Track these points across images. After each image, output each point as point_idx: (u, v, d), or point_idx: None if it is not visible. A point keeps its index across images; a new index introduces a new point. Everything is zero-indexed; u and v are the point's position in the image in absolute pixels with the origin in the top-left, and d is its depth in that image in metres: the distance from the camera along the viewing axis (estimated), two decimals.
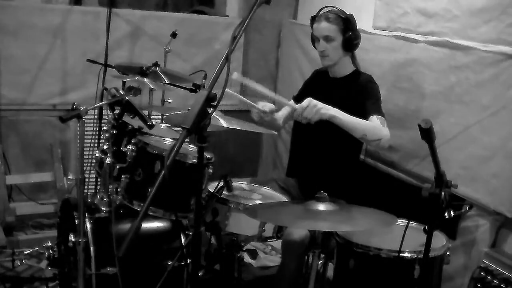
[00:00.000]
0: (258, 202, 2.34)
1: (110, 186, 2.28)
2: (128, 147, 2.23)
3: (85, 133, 2.03)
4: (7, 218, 3.39)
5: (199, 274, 2.47)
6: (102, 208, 2.29)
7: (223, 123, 2.27)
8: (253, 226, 2.22)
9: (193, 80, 3.11)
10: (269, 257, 3.39)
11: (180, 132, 1.47)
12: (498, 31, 2.44)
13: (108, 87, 2.22)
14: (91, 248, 2.16)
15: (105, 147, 2.23)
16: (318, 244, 2.03)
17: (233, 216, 2.21)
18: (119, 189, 2.24)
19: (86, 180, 2.09)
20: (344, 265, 2.12)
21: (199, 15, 4.19)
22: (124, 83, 2.99)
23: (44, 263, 2.98)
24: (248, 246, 3.31)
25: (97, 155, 2.36)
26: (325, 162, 2.73)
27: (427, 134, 1.62)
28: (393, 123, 2.96)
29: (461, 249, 2.56)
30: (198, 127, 1.49)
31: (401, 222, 2.10)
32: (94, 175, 3.42)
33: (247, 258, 3.26)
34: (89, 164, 2.77)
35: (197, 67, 3.60)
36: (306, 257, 2.47)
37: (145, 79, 2.91)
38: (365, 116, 2.44)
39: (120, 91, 2.17)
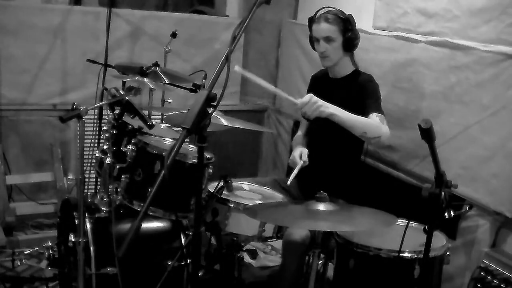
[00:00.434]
0: (258, 202, 2.34)
1: (110, 186, 2.28)
2: (128, 147, 2.23)
3: (85, 133, 2.04)
4: (7, 218, 3.39)
5: (199, 274, 2.47)
6: (102, 208, 2.29)
7: (224, 122, 2.28)
8: (253, 226, 2.22)
9: (193, 80, 3.12)
10: (269, 257, 3.39)
11: (180, 132, 1.47)
12: (498, 31, 2.44)
13: (108, 87, 2.22)
14: (91, 248, 2.16)
15: (105, 147, 2.23)
16: (318, 244, 2.03)
17: (233, 216, 2.21)
18: (119, 189, 2.24)
19: (86, 180, 2.10)
20: (344, 265, 2.12)
21: (199, 15, 4.19)
22: (124, 83, 2.99)
23: (44, 263, 2.98)
24: (248, 246, 3.31)
25: (97, 155, 2.36)
26: (325, 162, 2.73)
27: (427, 134, 1.62)
28: (393, 123, 2.95)
29: (461, 249, 2.56)
30: (198, 127, 1.49)
31: (401, 222, 2.10)
32: (94, 175, 3.42)
33: (247, 258, 3.26)
34: (89, 164, 2.77)
35: (197, 67, 3.61)
36: (306, 257, 2.47)
37: (145, 79, 2.91)
38: (365, 115, 2.45)
39: (120, 91, 2.17)
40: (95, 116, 3.27)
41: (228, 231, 2.25)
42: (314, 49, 2.69)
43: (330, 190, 2.02)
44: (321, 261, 2.49)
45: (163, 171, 1.41)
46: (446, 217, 1.78)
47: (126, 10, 3.87)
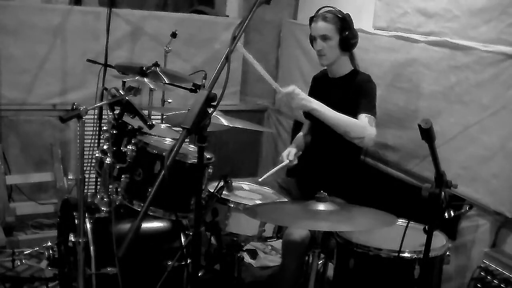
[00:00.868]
0: (258, 202, 2.34)
1: (110, 186, 2.28)
2: (128, 147, 2.22)
3: (85, 133, 2.03)
4: (7, 218, 3.39)
5: (199, 274, 2.47)
6: (102, 208, 2.29)
7: (224, 122, 2.28)
8: (253, 226, 2.22)
9: (193, 80, 3.11)
10: (269, 257, 3.39)
11: (180, 132, 1.47)
12: (498, 31, 2.44)
13: (108, 87, 2.21)
14: (91, 248, 2.15)
15: (105, 147, 2.23)
16: (318, 244, 2.03)
17: (233, 216, 2.21)
18: (119, 189, 2.24)
19: (86, 180, 2.10)
20: (344, 265, 2.11)
21: (199, 15, 4.19)
22: (124, 83, 2.99)
23: (44, 263, 2.98)
24: (248, 246, 3.31)
25: (97, 155, 2.36)
26: (325, 162, 2.73)
27: (427, 134, 1.62)
28: (393, 123, 2.96)
29: (461, 249, 2.56)
30: (198, 127, 1.49)
31: (401, 222, 2.10)
32: (94, 175, 3.42)
33: (247, 258, 3.26)
34: (89, 164, 2.77)
35: (197, 67, 3.61)
36: (306, 257, 2.47)
37: (145, 79, 2.91)
38: (355, 114, 2.46)
39: (120, 91, 2.17)
40: (95, 116, 3.27)
41: (228, 231, 2.25)
42: (313, 48, 2.70)
43: (330, 190, 2.02)
44: (321, 261, 2.49)
45: (163, 171, 1.41)
46: (446, 217, 1.78)
47: (126, 10, 3.87)
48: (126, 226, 2.27)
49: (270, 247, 3.49)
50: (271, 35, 4.35)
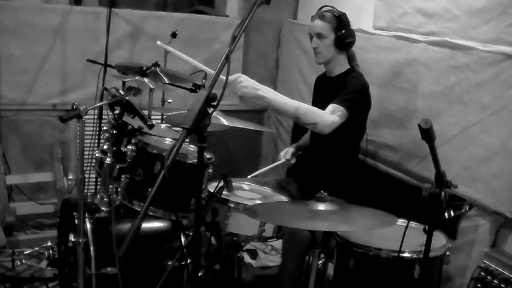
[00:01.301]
0: (258, 202, 2.34)
1: (110, 186, 2.28)
2: (128, 147, 2.22)
3: (85, 133, 2.04)
4: (7, 218, 3.39)
5: (199, 274, 2.47)
6: (102, 208, 2.29)
7: (224, 122, 2.28)
8: (253, 226, 2.22)
9: (193, 80, 3.11)
10: (269, 257, 3.39)
11: (180, 132, 1.47)
12: (498, 31, 2.44)
13: (108, 87, 2.21)
14: (91, 248, 2.15)
15: (105, 147, 2.23)
16: (318, 244, 2.03)
17: (233, 216, 2.21)
18: (119, 189, 2.24)
19: (86, 180, 2.10)
20: (344, 265, 2.11)
21: (199, 15, 4.19)
22: (124, 83, 2.99)
23: (44, 263, 2.98)
24: (248, 246, 3.30)
25: (97, 155, 2.35)
26: (323, 162, 2.74)
27: (427, 134, 1.62)
28: (393, 123, 2.97)
29: (461, 249, 2.56)
30: (198, 127, 1.49)
31: (401, 222, 2.10)
32: (94, 175, 3.42)
33: (247, 258, 3.25)
34: (89, 164, 2.77)
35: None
36: (306, 257, 2.47)
37: (145, 79, 2.91)
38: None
39: (120, 91, 2.17)
40: (95, 116, 3.27)
41: (228, 231, 2.25)
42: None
43: (330, 190, 2.02)
44: (321, 261, 2.49)
45: (163, 171, 1.41)
46: (446, 217, 1.78)
47: (126, 10, 3.87)
48: (126, 226, 2.27)
49: (270, 247, 3.49)
50: (271, 35, 4.35)
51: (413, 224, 2.13)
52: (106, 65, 3.37)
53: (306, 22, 2.74)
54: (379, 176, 3.09)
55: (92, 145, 3.17)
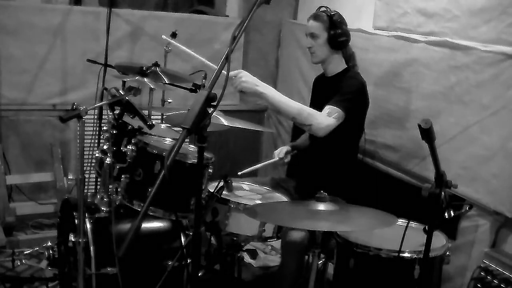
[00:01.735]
0: (258, 202, 2.34)
1: (110, 186, 2.28)
2: (128, 147, 2.22)
3: (85, 133, 2.04)
4: (7, 218, 3.39)
5: (199, 274, 2.47)
6: (102, 208, 2.29)
7: (224, 122, 2.28)
8: (253, 226, 2.22)
9: (193, 80, 3.11)
10: (269, 257, 3.39)
11: (180, 132, 1.47)
12: (498, 31, 2.44)
13: (108, 87, 2.21)
14: (91, 248, 2.15)
15: (105, 147, 2.23)
16: (318, 244, 2.03)
17: (233, 216, 2.21)
18: (119, 189, 2.24)
19: (86, 180, 2.09)
20: (344, 265, 2.11)
21: (199, 15, 4.19)
22: (124, 83, 2.99)
23: (44, 263, 2.98)
24: (248, 246, 3.31)
25: (97, 155, 2.35)
26: (323, 162, 2.74)
27: (427, 134, 1.62)
28: (393, 123, 2.96)
29: (461, 249, 2.56)
30: (198, 127, 1.49)
31: (401, 222, 2.10)
32: (94, 175, 3.42)
33: (247, 258, 3.26)
34: (89, 164, 2.77)
35: (197, 67, 3.59)
36: (306, 257, 2.47)
37: (145, 79, 2.91)
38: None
39: (120, 91, 2.17)
40: (95, 116, 3.27)
41: (228, 231, 2.25)
42: None
43: (329, 190, 2.02)
44: (321, 261, 2.49)
45: (163, 171, 1.41)
46: (446, 217, 1.78)
47: (126, 10, 3.87)
48: (126, 226, 2.27)
49: (270, 247, 3.49)
50: (271, 35, 4.35)
51: (413, 224, 2.13)
52: (106, 65, 3.37)
53: (306, 22, 2.74)
54: (379, 176, 3.09)
55: (92, 145, 3.17)
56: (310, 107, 2.77)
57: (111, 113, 2.23)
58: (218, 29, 4.11)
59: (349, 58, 2.74)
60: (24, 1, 3.69)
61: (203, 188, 2.25)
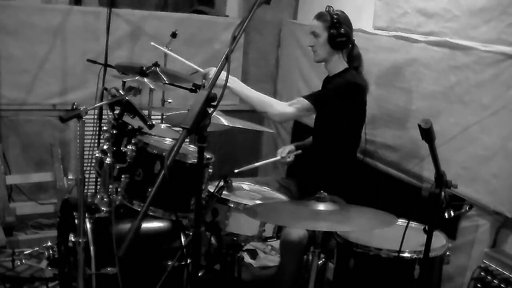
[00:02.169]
0: (258, 202, 2.34)
1: (110, 186, 2.28)
2: (128, 147, 2.22)
3: (85, 133, 2.03)
4: (7, 218, 3.39)
5: (199, 274, 2.47)
6: (102, 208, 2.29)
7: (224, 121, 2.28)
8: (253, 226, 2.22)
9: (193, 80, 3.11)
10: (269, 257, 3.39)
11: (180, 132, 1.47)
12: (498, 31, 2.44)
13: (108, 87, 2.21)
14: (91, 248, 2.15)
15: (105, 147, 2.23)
16: (318, 244, 2.03)
17: (233, 216, 2.21)
18: (119, 189, 2.24)
19: (86, 180, 2.09)
20: (344, 265, 2.11)
21: (199, 15, 4.19)
22: (124, 83, 2.99)
23: (44, 263, 2.98)
24: (248, 246, 3.31)
25: (97, 155, 2.35)
26: (323, 162, 2.74)
27: (427, 134, 1.62)
28: (393, 123, 2.97)
29: (461, 249, 2.56)
30: (198, 127, 1.49)
31: (401, 222, 2.10)
32: (94, 175, 3.42)
33: (247, 258, 3.26)
34: (89, 164, 2.77)
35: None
36: (306, 257, 2.47)
37: (145, 79, 2.91)
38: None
39: (120, 91, 2.17)
40: (95, 116, 3.27)
41: (228, 231, 2.25)
42: None
43: (329, 190, 2.02)
44: (321, 261, 2.49)
45: (163, 171, 1.41)
46: (446, 217, 1.78)
47: (126, 10, 3.87)
48: (126, 226, 2.27)
49: (270, 247, 3.49)
50: (271, 35, 4.35)
51: (413, 224, 2.12)
52: (106, 65, 3.37)
53: (306, 22, 2.75)
54: (379, 176, 3.09)
55: (92, 145, 3.17)
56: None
57: (111, 113, 2.23)
58: (218, 29, 4.10)
59: (354, 58, 2.75)
60: (24, 1, 3.69)
61: (203, 188, 2.25)
